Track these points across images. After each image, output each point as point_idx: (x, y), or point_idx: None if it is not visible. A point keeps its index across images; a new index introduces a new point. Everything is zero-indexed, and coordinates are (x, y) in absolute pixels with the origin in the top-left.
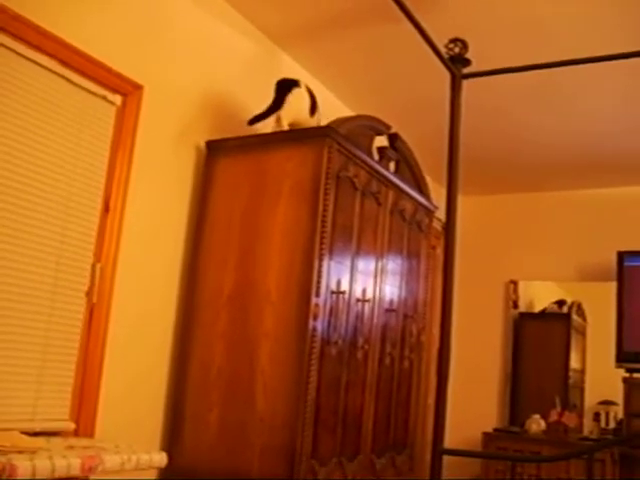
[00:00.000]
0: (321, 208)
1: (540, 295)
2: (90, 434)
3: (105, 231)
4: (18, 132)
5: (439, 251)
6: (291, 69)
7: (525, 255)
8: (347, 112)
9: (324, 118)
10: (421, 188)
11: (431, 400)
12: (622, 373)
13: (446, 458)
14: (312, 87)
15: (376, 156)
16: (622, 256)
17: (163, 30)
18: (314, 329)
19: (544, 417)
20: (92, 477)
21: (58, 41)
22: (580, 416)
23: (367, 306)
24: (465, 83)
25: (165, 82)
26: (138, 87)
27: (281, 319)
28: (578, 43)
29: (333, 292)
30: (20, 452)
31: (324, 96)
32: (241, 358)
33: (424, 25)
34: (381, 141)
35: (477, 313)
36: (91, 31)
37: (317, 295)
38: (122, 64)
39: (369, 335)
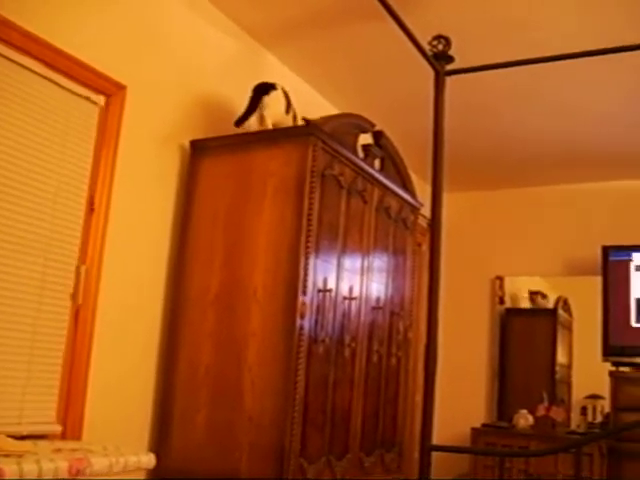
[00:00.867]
0: (306, 206)
1: (526, 291)
2: (77, 437)
3: (90, 231)
4: (2, 134)
5: (425, 248)
6: (275, 68)
7: (511, 251)
8: (332, 110)
9: (312, 116)
10: (406, 185)
11: (419, 397)
12: (608, 367)
13: (435, 454)
14: (296, 86)
15: (361, 154)
16: (607, 251)
17: (146, 30)
18: (301, 327)
19: (532, 412)
20: None
21: (42, 43)
22: (567, 410)
23: (354, 304)
24: (450, 80)
25: (149, 82)
26: (121, 87)
27: (268, 318)
28: (561, 40)
29: (320, 290)
30: (7, 456)
31: (309, 95)
32: (229, 357)
33: (407, 23)
34: (366, 139)
35: (463, 309)
36: (74, 33)
37: (304, 293)
38: (105, 65)
39: (356, 333)
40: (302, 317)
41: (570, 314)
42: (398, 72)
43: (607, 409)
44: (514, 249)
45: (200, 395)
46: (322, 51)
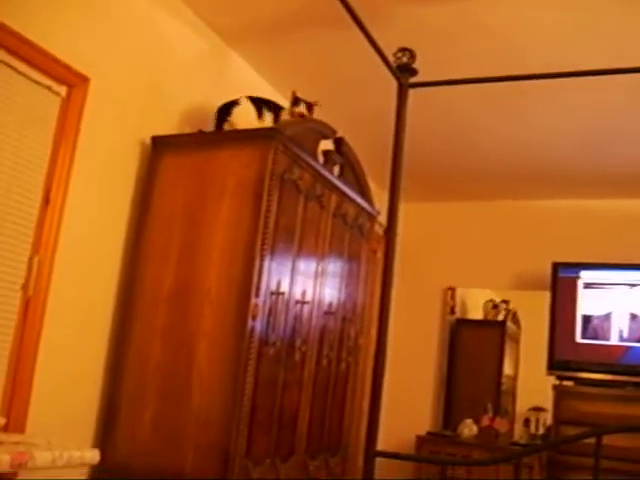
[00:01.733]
0: (264, 209)
1: (477, 302)
2: (21, 430)
3: (44, 223)
4: None
5: (380, 255)
6: (241, 68)
7: (463, 262)
8: None
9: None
10: (364, 193)
11: (367, 403)
12: (552, 380)
13: (379, 461)
14: (260, 88)
15: (321, 159)
16: (557, 267)
17: (114, 24)
18: (252, 329)
19: (476, 422)
20: (22, 473)
21: (4, 29)
22: (511, 422)
23: (306, 308)
24: (414, 92)
25: (113, 76)
26: (85, 79)
27: (220, 318)
28: (527, 53)
29: (273, 293)
30: None
31: (272, 97)
32: (179, 355)
33: (374, 34)
34: (327, 145)
35: (415, 318)
36: (40, 21)
37: (257, 295)
38: (70, 56)
39: (307, 337)
40: (254, 319)
41: (519, 327)
42: (362, 82)
43: (549, 421)
44: (467, 260)
45: (148, 392)
46: (288, 56)
